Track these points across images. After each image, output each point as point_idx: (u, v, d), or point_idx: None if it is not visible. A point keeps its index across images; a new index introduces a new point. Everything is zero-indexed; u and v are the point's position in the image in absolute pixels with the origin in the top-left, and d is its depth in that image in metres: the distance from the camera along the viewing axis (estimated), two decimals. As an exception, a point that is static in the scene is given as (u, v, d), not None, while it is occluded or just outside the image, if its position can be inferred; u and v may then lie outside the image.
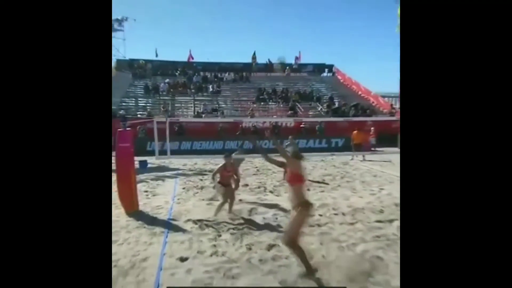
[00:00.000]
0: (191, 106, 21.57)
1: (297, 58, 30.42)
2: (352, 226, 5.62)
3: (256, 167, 12.07)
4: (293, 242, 3.82)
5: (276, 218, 6.02)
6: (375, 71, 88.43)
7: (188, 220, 5.90)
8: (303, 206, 3.81)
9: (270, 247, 4.74)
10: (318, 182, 9.50)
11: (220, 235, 5.16)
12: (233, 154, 7.34)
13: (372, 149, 16.28)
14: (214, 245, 4.75)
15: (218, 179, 6.27)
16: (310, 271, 3.82)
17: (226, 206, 6.26)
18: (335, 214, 6.33)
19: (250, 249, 4.68)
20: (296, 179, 3.87)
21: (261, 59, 29.91)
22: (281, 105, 22.47)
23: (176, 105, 21.86)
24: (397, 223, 5.73)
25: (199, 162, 13.06)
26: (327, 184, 9.24)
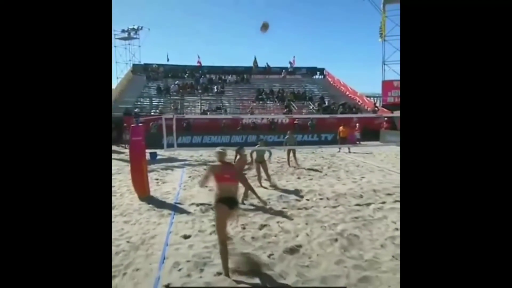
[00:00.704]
0: (198, 105, 21.61)
1: (291, 63, 30.36)
2: (335, 209, 5.71)
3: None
4: (219, 240, 3.44)
5: (269, 202, 6.08)
6: (361, 74, 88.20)
7: (192, 203, 6.00)
8: (215, 205, 3.46)
9: (262, 226, 4.84)
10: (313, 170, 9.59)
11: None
12: (256, 147, 7.17)
13: (357, 142, 16.33)
14: (213, 225, 4.84)
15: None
16: (225, 272, 3.37)
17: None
18: (321, 199, 6.41)
19: (244, 228, 4.77)
20: (223, 179, 3.44)
21: (261, 63, 29.87)
22: (278, 104, 22.41)
23: (185, 104, 21.89)
24: (373, 206, 5.85)
25: (205, 153, 13.14)
26: (320, 171, 9.36)
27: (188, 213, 5.50)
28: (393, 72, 25.05)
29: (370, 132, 18.41)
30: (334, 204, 6.02)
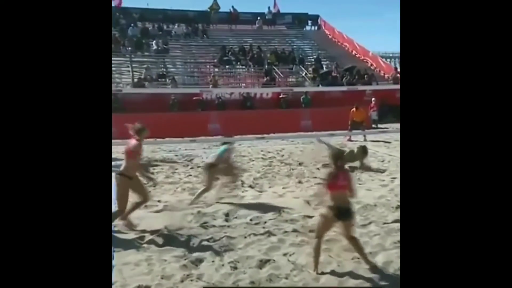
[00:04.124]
0: (128, 71, 21.00)
1: (270, 8, 30.22)
2: (365, 229, 5.70)
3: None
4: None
5: (265, 222, 5.97)
6: (373, 25, 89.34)
7: (142, 231, 5.67)
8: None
9: (263, 263, 4.69)
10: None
11: (190, 251, 5.03)
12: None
13: (374, 126, 16.51)
14: (185, 266, 4.59)
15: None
16: (315, 267, 4.48)
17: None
18: None
19: (235, 268, 4.58)
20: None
21: (224, 6, 29.64)
22: (253, 70, 22.37)
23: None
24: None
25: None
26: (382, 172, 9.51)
27: (137, 247, 5.18)
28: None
29: (391, 110, 18.71)
30: (363, 222, 6.01)
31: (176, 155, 11.78)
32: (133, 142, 5.52)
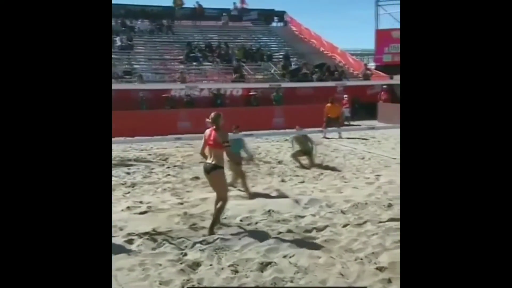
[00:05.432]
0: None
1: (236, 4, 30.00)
2: (362, 229, 5.65)
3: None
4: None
5: (256, 223, 5.85)
6: (340, 21, 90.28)
7: (130, 235, 5.40)
8: None
9: (264, 266, 4.54)
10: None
11: (185, 254, 4.79)
12: None
13: (346, 123, 16.57)
14: (182, 270, 4.36)
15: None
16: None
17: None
18: (331, 212, 6.38)
19: (236, 271, 4.40)
20: None
21: (188, 1, 29.17)
22: (221, 66, 22.17)
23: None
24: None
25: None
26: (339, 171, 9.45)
27: (128, 251, 4.92)
28: (390, 17, 25.62)
29: (363, 107, 18.91)
30: (357, 221, 5.98)
31: (150, 154, 11.44)
32: (213, 133, 5.44)
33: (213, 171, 5.45)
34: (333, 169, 9.59)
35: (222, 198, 5.56)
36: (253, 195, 7.13)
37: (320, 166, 9.72)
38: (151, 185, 8.02)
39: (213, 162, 5.42)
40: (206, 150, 5.59)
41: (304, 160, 9.73)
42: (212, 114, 5.52)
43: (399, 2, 25.49)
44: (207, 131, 5.55)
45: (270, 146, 12.48)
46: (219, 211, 5.55)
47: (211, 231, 5.40)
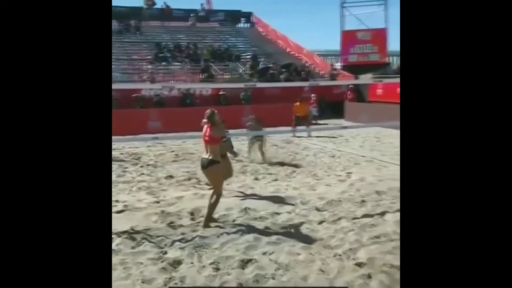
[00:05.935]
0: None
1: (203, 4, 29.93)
2: (338, 225, 5.65)
3: (173, 151, 11.79)
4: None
5: (234, 221, 5.82)
6: (307, 23, 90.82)
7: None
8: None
9: (245, 263, 4.51)
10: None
11: (165, 252, 4.74)
12: None
13: (314, 122, 16.72)
14: (164, 269, 4.31)
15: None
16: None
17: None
18: (306, 209, 6.39)
19: (217, 269, 4.37)
20: None
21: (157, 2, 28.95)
22: (189, 66, 22.06)
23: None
24: (391, 216, 5.88)
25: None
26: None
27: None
28: (355, 19, 26.14)
29: (330, 106, 19.14)
30: (333, 218, 6.00)
31: (122, 153, 11.25)
32: (208, 129, 5.63)
33: (210, 166, 5.56)
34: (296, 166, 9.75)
35: (217, 193, 5.64)
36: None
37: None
38: (125, 184, 7.90)
39: (209, 157, 5.56)
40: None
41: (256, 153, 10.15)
42: (208, 111, 5.68)
43: (364, 4, 26.05)
44: (204, 128, 5.74)
45: (241, 145, 12.44)
46: (213, 205, 5.65)
47: (207, 225, 5.54)
